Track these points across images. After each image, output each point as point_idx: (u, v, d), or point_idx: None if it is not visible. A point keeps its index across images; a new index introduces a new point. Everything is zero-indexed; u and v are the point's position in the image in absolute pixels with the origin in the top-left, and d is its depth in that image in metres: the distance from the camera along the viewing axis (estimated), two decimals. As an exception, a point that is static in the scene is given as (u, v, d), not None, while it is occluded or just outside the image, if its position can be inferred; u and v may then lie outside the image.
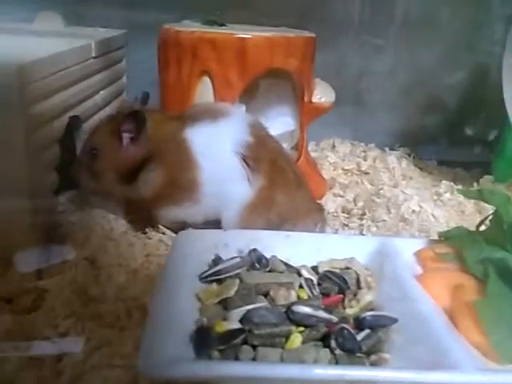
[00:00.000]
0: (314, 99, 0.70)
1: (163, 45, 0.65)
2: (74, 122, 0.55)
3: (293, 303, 0.33)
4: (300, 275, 0.38)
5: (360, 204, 0.68)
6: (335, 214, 0.67)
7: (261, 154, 0.51)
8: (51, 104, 0.51)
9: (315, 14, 0.90)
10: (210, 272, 0.38)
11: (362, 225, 0.64)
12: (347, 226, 0.65)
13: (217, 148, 0.50)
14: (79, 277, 0.42)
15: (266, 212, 0.50)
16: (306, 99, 0.68)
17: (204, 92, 0.62)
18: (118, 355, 0.33)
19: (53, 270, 0.43)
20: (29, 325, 0.37)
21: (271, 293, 0.35)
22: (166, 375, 0.26)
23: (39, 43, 0.57)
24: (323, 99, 0.71)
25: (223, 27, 0.68)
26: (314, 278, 0.38)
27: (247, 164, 0.49)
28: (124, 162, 0.49)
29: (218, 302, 0.35)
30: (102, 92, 0.69)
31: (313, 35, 0.66)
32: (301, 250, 0.41)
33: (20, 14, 0.86)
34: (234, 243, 0.42)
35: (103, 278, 0.43)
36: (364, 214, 0.66)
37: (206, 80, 0.62)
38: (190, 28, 0.62)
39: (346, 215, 0.67)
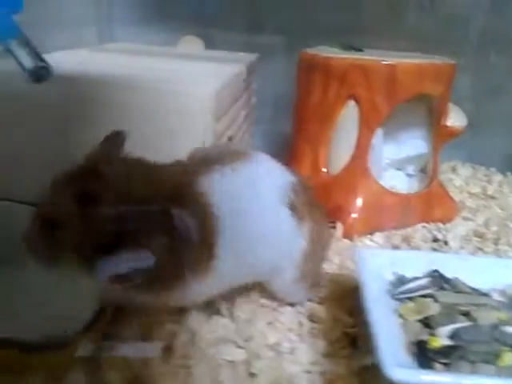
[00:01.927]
0: (448, 123, 0.71)
1: (306, 68, 0.69)
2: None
3: (498, 324, 0.35)
4: (487, 296, 0.40)
5: (493, 228, 0.68)
6: (467, 238, 0.68)
7: (300, 196, 0.42)
8: (220, 126, 0.55)
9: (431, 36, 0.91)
10: (401, 290, 0.40)
11: (498, 249, 0.64)
12: (481, 250, 0.65)
13: (255, 200, 0.39)
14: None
15: (320, 253, 0.47)
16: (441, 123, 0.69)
17: (348, 115, 0.65)
18: None
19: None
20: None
21: (473, 313, 0.36)
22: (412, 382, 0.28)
23: (206, 67, 0.62)
24: (457, 123, 0.72)
25: (361, 52, 0.70)
26: (506, 300, 0.39)
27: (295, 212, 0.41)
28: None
29: (418, 320, 0.37)
30: (243, 112, 0.73)
31: (453, 62, 0.67)
32: (478, 272, 0.43)
33: (152, 37, 0.94)
34: (411, 263, 0.43)
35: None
36: (499, 238, 0.66)
37: (352, 104, 0.64)
38: (339, 54, 0.65)
39: (479, 239, 0.67)
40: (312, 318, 0.48)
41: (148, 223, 0.33)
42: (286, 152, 0.83)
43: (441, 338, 0.34)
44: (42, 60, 0.44)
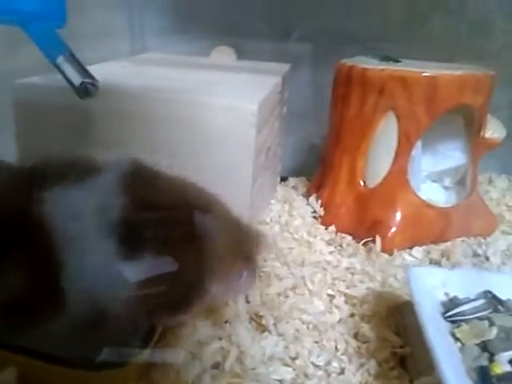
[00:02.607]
0: (487, 134, 0.70)
1: (343, 80, 0.68)
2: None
3: None
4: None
5: (536, 243, 0.67)
6: (508, 253, 0.66)
7: None
8: (260, 139, 0.55)
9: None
10: (455, 312, 0.39)
11: (541, 267, 0.63)
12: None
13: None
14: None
15: None
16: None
17: (387, 127, 0.64)
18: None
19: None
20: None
21: (535, 337, 0.35)
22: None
23: (244, 79, 0.62)
24: (495, 135, 0.70)
25: (399, 63, 0.70)
26: None
27: None
28: None
29: (476, 344, 0.36)
30: (276, 123, 0.73)
31: (493, 72, 0.66)
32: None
33: (182, 47, 0.94)
34: (463, 283, 0.43)
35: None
36: (543, 256, 0.65)
37: (391, 115, 0.63)
38: (378, 65, 0.64)
39: (521, 254, 0.66)
40: (357, 337, 0.47)
41: None
42: (316, 161, 0.83)
43: (502, 365, 0.33)
44: (89, 75, 0.44)
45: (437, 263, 0.63)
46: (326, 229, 0.68)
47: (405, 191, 0.64)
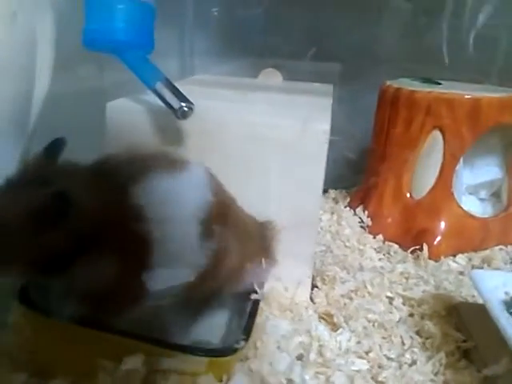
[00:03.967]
0: (522, 151, 0.75)
1: (389, 100, 0.74)
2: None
3: None
4: None
5: None
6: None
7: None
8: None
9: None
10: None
11: None
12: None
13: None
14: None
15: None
16: (517, 151, 0.74)
17: (433, 144, 0.70)
18: None
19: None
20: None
21: None
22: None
23: (303, 100, 0.68)
24: (530, 151, 0.76)
25: (440, 85, 0.76)
26: None
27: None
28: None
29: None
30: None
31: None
32: None
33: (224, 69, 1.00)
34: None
35: None
36: None
37: (437, 134, 0.69)
38: (422, 88, 0.70)
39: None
40: (421, 334, 0.52)
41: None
42: (350, 175, 0.89)
43: None
44: (186, 99, 0.50)
45: (478, 269, 0.68)
46: (374, 238, 0.74)
47: (449, 203, 0.70)
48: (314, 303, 0.57)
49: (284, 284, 0.57)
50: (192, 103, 0.50)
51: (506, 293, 0.48)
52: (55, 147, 0.40)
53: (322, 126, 0.52)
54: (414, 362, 0.47)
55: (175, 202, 0.40)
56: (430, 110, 0.68)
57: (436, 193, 0.70)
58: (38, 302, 0.41)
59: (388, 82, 0.75)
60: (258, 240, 0.51)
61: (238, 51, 0.99)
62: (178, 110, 0.50)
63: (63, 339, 0.40)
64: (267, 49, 0.99)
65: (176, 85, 0.52)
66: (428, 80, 0.76)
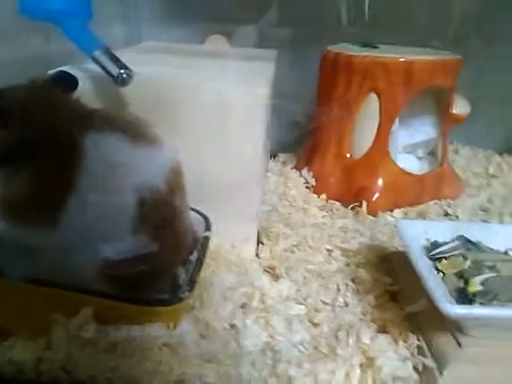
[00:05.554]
0: (454, 111, 0.81)
1: (329, 65, 0.77)
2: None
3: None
4: (505, 254, 0.50)
5: (497, 203, 0.78)
6: (473, 212, 0.78)
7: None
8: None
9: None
10: (436, 251, 0.49)
11: (502, 222, 0.74)
12: (487, 222, 0.75)
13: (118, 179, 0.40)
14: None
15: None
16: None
17: (370, 106, 0.74)
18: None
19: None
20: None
21: (497, 267, 0.46)
22: (463, 316, 0.38)
23: (245, 66, 0.70)
24: (462, 111, 0.81)
25: (376, 49, 0.79)
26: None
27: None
28: None
29: (454, 273, 0.46)
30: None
31: (460, 57, 0.76)
32: (496, 236, 0.52)
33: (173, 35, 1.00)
34: (441, 231, 0.53)
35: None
36: (502, 213, 0.76)
37: (373, 96, 0.73)
38: (360, 52, 0.74)
39: (484, 213, 0.77)
40: (355, 280, 0.57)
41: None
42: (299, 138, 0.92)
43: (475, 285, 0.44)
44: (125, 66, 0.52)
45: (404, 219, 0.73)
46: (318, 197, 0.78)
47: (386, 161, 0.74)
48: (259, 258, 0.61)
49: (231, 241, 0.60)
50: (131, 70, 0.52)
51: (427, 239, 0.53)
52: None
53: (262, 90, 0.55)
54: (346, 305, 0.52)
55: (125, 166, 0.41)
56: (367, 74, 0.72)
57: (373, 152, 0.74)
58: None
59: (329, 47, 0.78)
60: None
61: (185, 17, 0.99)
62: (117, 78, 0.51)
63: (17, 298, 0.42)
64: (214, 15, 1.00)
65: (120, 52, 0.53)
66: (367, 45, 0.80)
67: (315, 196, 0.78)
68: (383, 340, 0.46)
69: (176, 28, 1.01)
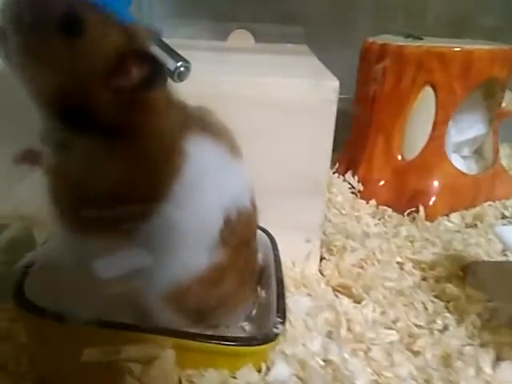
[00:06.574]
0: (503, 105, 0.75)
1: (373, 57, 0.70)
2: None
3: None
4: None
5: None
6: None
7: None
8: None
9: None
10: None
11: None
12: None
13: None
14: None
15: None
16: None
17: (424, 101, 0.67)
18: None
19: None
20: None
21: None
22: None
23: (295, 60, 0.63)
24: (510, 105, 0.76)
25: (422, 40, 0.73)
26: None
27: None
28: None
29: None
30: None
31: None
32: None
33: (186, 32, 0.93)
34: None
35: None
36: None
37: (428, 90, 0.67)
38: (413, 43, 0.67)
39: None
40: (441, 297, 0.50)
41: None
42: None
43: None
44: (183, 58, 0.44)
45: (472, 226, 0.67)
46: (367, 203, 0.71)
47: (442, 161, 0.68)
48: (324, 276, 0.53)
49: (291, 258, 0.53)
50: (189, 62, 0.44)
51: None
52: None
53: (332, 83, 0.47)
54: (445, 327, 0.45)
55: (220, 180, 0.36)
56: (421, 65, 0.65)
57: (428, 152, 0.68)
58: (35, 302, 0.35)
59: (371, 39, 0.71)
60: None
61: (198, 14, 0.92)
62: (174, 72, 0.43)
63: (68, 343, 0.34)
64: (229, 12, 0.93)
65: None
66: (410, 35, 0.73)
67: (363, 202, 0.71)
68: (507, 368, 0.39)
69: (189, 25, 0.93)
